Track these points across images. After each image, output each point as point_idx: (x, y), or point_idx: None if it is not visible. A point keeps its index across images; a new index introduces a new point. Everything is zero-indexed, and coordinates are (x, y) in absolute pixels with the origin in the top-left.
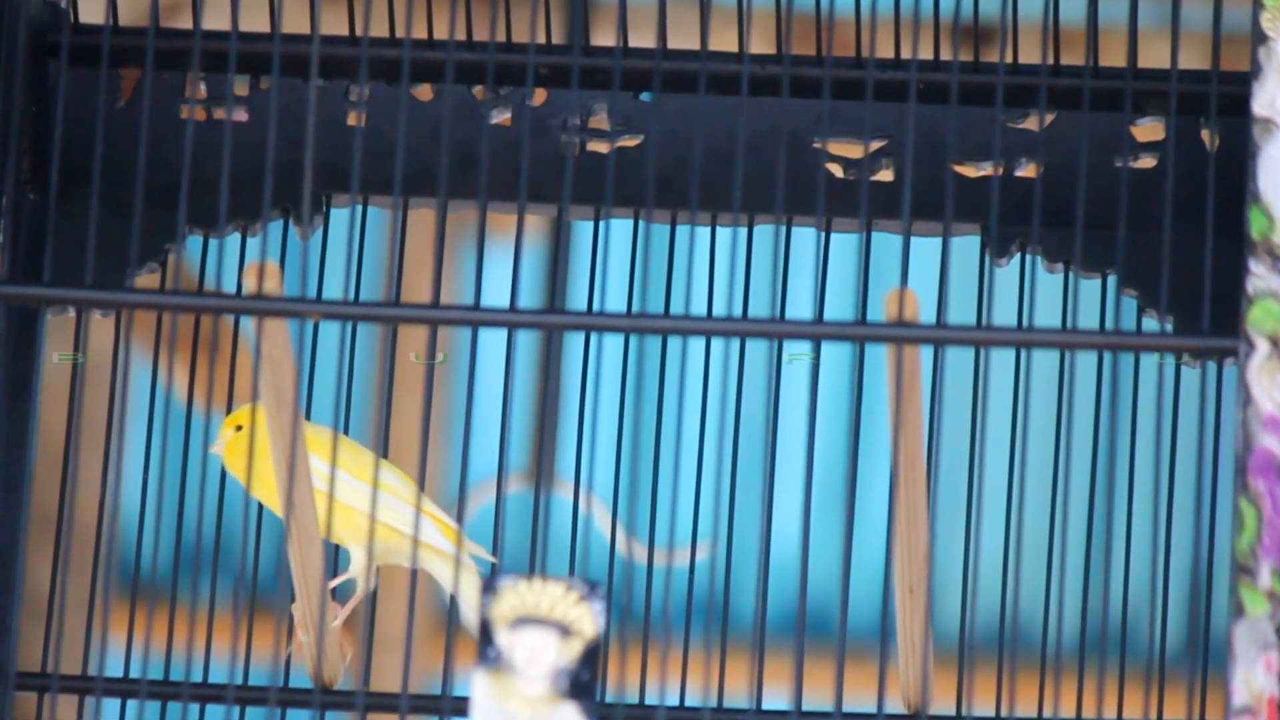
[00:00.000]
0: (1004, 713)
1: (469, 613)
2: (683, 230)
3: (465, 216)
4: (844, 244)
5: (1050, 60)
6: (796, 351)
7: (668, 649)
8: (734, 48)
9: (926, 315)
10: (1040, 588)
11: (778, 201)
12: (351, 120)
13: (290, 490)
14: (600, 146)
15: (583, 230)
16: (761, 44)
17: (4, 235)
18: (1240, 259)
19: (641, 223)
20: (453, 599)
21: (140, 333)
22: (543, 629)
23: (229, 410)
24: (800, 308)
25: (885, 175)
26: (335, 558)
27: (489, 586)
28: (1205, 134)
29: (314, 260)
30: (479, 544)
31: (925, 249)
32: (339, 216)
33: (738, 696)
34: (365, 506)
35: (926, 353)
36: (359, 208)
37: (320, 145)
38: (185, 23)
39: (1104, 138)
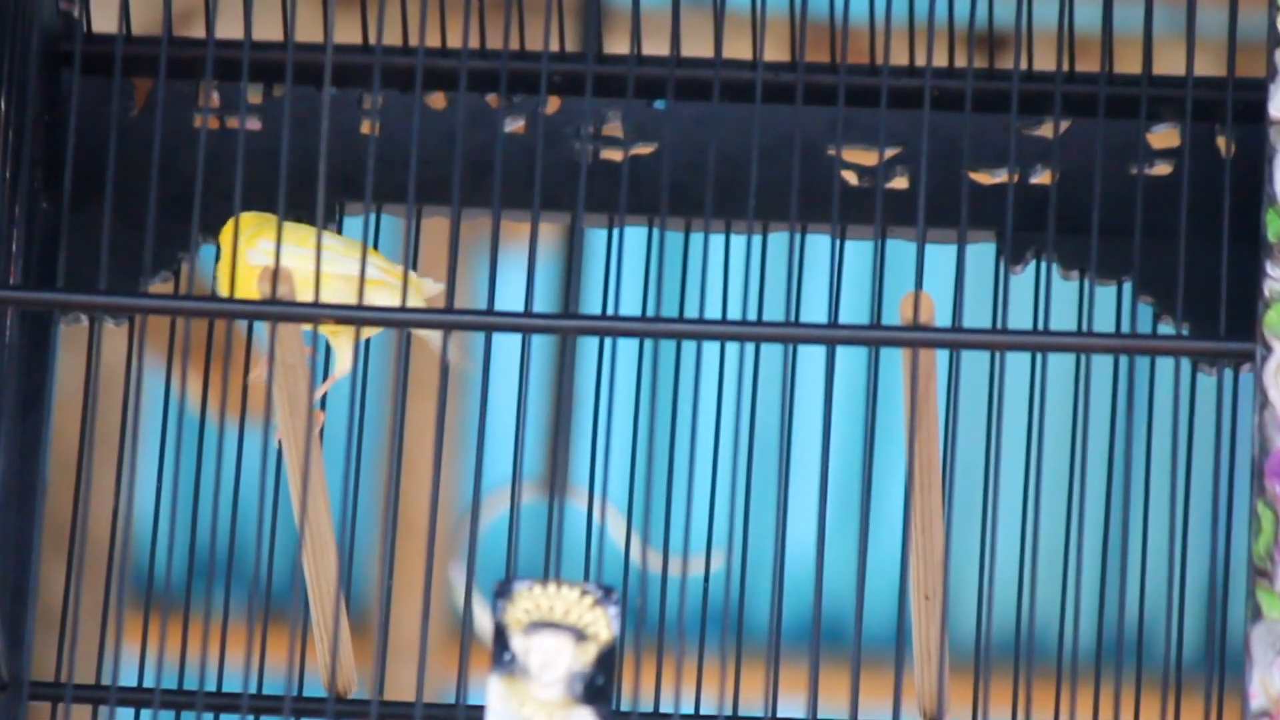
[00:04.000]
0: None
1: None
2: (697, 238)
3: (479, 225)
4: (858, 251)
5: (1065, 67)
6: None
7: (683, 657)
8: (748, 55)
9: (941, 322)
10: (1056, 593)
11: (792, 209)
12: (365, 128)
13: (304, 497)
14: (614, 154)
15: (597, 238)
16: (775, 51)
17: (17, 244)
18: (1256, 265)
19: (656, 230)
20: (466, 608)
21: (153, 341)
22: (558, 633)
23: (242, 418)
24: (814, 316)
25: (900, 183)
26: (349, 562)
27: (503, 591)
28: (1221, 140)
29: None
30: (493, 550)
31: (940, 256)
32: (352, 225)
33: (753, 704)
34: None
35: (941, 357)
36: (372, 216)
37: (334, 153)
38: (198, 31)
39: (1119, 144)
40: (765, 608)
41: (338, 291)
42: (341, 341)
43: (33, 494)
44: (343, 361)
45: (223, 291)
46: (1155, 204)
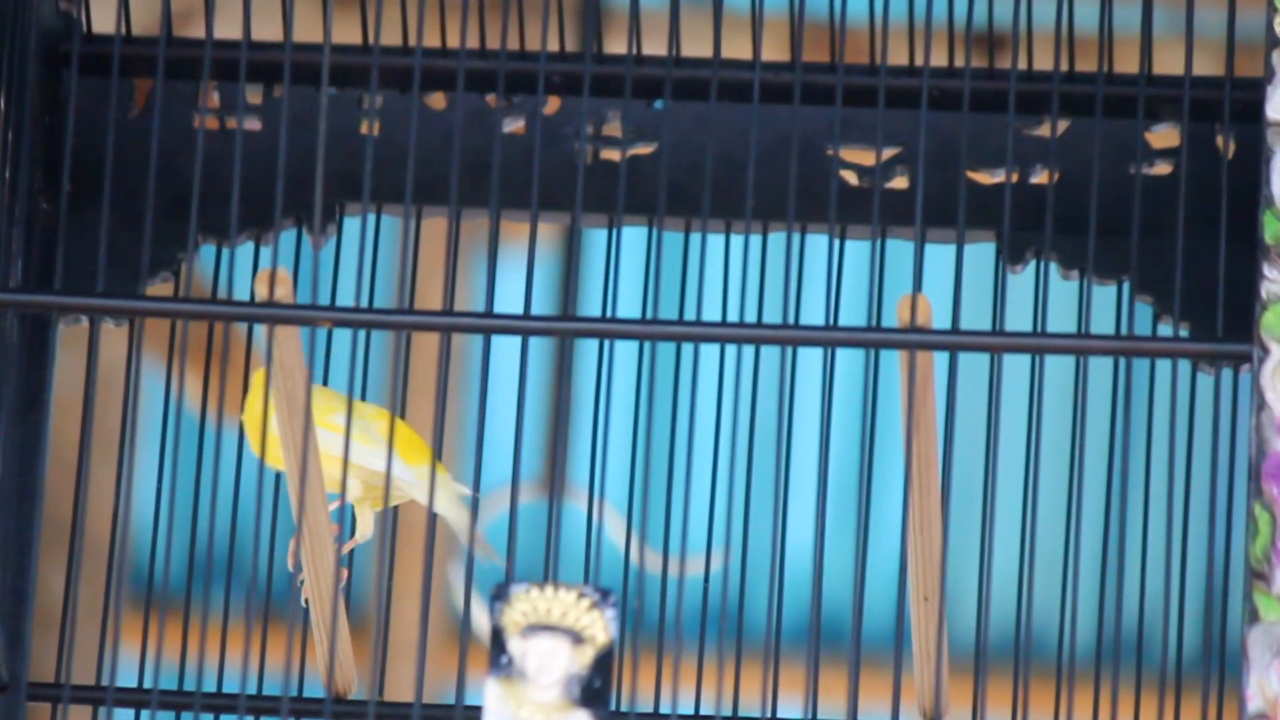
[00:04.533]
0: None
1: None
2: (695, 238)
3: (478, 225)
4: (857, 251)
5: (1064, 67)
6: None
7: (680, 657)
8: (747, 55)
9: (940, 322)
10: (1055, 594)
11: (790, 209)
12: (364, 129)
13: (301, 494)
14: (613, 154)
15: (595, 238)
16: (774, 51)
17: (16, 245)
18: (1255, 265)
19: (654, 231)
20: (465, 609)
21: (152, 342)
22: (555, 636)
23: (241, 419)
24: (813, 316)
25: (899, 182)
26: (349, 562)
27: (500, 594)
28: (1220, 140)
29: (326, 269)
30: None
31: (939, 256)
32: (351, 225)
33: (752, 705)
34: (355, 457)
35: (940, 359)
36: (371, 216)
37: (332, 154)
38: (197, 31)
39: (1118, 144)
40: (764, 608)
41: (359, 477)
42: (365, 509)
43: (32, 494)
44: (364, 527)
45: (254, 448)
46: (1154, 203)
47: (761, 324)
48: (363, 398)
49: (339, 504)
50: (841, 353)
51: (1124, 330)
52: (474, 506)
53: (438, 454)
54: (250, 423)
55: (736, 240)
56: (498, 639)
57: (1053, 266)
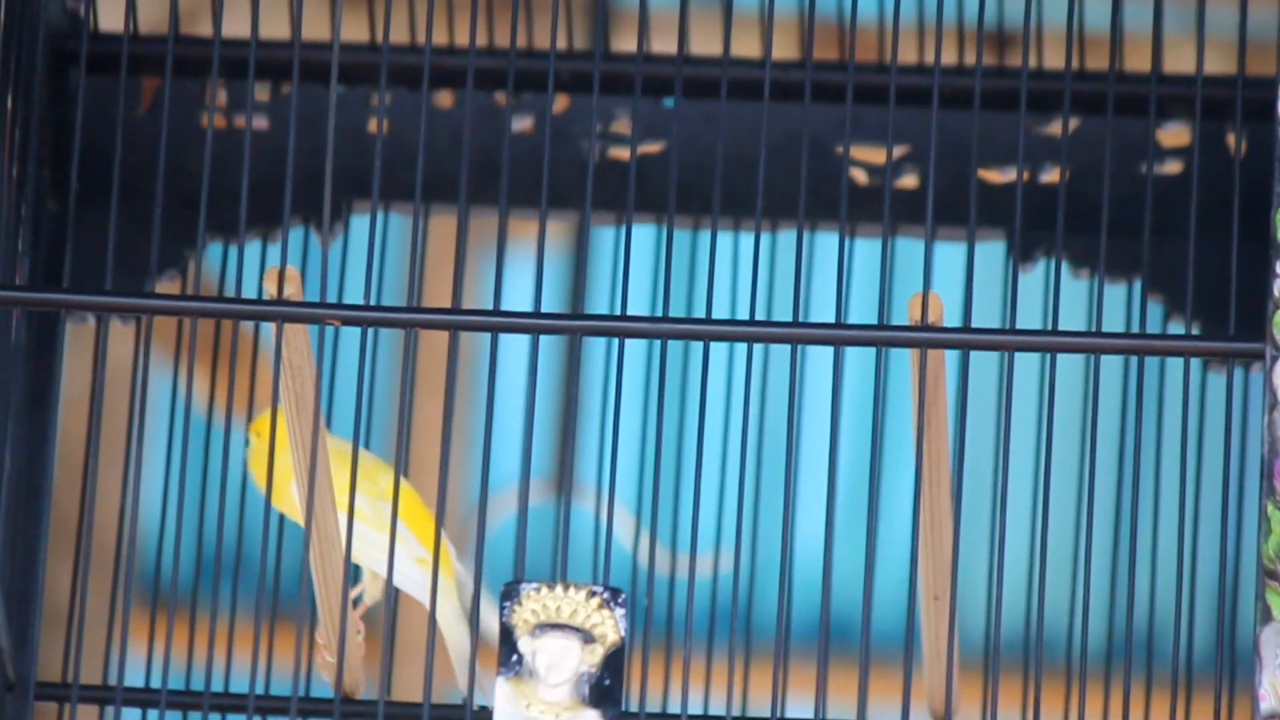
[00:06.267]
0: None
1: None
2: (704, 236)
3: (486, 223)
4: (867, 250)
5: (1075, 65)
6: None
7: (690, 657)
8: (756, 53)
9: (949, 321)
10: (1066, 594)
11: (800, 207)
12: (372, 127)
13: (310, 497)
14: (622, 152)
15: (604, 237)
16: (784, 49)
17: (23, 244)
18: (1266, 264)
19: (663, 229)
20: (474, 608)
21: (159, 340)
22: (565, 635)
23: (249, 417)
24: (822, 315)
25: (909, 181)
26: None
27: (510, 593)
28: (1231, 139)
29: (334, 268)
30: (501, 549)
31: (949, 255)
32: (359, 224)
33: (761, 705)
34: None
35: (950, 357)
36: (380, 214)
37: (341, 152)
38: (205, 30)
39: (1129, 143)
40: (773, 607)
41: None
42: (376, 580)
43: (39, 494)
44: (372, 590)
45: (255, 478)
46: (1165, 202)
47: (769, 322)
48: (371, 395)
49: (357, 590)
50: (851, 350)
51: (1135, 329)
52: (481, 506)
53: (445, 455)
54: (256, 466)
55: (746, 239)
56: (507, 638)
57: (1063, 265)
